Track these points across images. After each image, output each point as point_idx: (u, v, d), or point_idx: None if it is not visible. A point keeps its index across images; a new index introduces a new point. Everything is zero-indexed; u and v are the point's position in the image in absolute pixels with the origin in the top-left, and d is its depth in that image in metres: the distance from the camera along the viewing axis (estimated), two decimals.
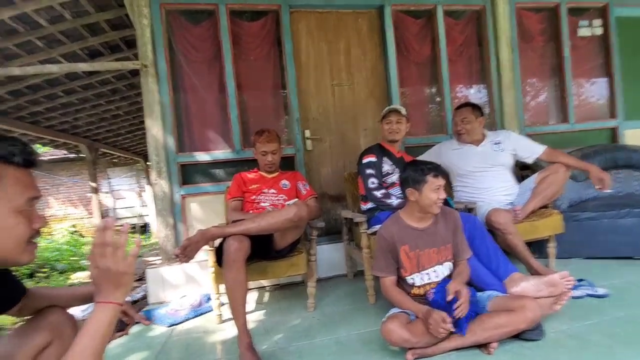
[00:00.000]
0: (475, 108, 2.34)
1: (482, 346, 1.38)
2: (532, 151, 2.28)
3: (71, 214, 10.23)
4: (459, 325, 1.34)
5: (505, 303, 1.42)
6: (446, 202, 1.85)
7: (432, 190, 1.48)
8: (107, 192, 10.52)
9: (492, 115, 3.15)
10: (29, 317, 0.99)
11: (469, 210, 2.12)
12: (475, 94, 3.23)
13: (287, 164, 2.68)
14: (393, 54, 2.92)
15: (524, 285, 1.59)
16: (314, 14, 2.89)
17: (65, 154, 8.47)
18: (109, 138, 7.03)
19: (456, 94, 3.17)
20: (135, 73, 4.15)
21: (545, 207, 2.23)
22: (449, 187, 2.49)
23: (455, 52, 3.10)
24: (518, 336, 1.40)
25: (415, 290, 1.55)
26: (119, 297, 0.75)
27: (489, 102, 3.18)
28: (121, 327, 1.02)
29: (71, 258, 5.32)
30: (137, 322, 1.05)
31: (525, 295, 1.50)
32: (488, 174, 2.27)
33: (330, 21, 2.92)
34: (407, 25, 3.01)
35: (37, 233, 0.75)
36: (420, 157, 2.49)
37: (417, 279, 1.54)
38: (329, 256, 2.61)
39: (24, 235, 0.72)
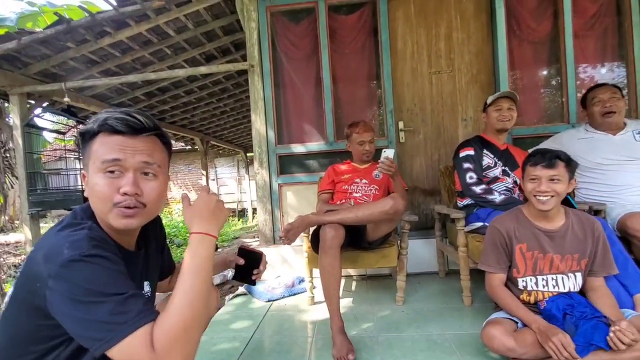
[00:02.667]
0: (618, 88, 1.97)
1: None
2: None
3: None
4: (578, 345, 1.16)
5: None
6: (566, 202, 1.62)
7: (528, 180, 1.37)
8: (213, 179, 11.97)
9: (631, 99, 2.60)
10: None
11: (596, 213, 1.81)
12: (607, 74, 2.70)
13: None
14: (503, 34, 2.63)
15: None
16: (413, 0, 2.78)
17: (182, 146, 9.88)
18: (217, 132, 7.93)
19: (584, 74, 2.70)
20: (241, 73, 4.59)
21: None
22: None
23: (584, 25, 2.63)
24: None
25: (524, 296, 1.40)
26: (213, 230, 0.77)
27: (628, 83, 2.63)
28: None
29: (186, 234, 6.24)
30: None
31: None
32: (625, 168, 1.88)
33: (430, 5, 2.77)
34: (521, 0, 2.67)
35: (127, 198, 0.75)
36: (539, 147, 2.21)
37: (530, 283, 1.38)
38: (419, 252, 2.52)
39: (105, 195, 0.74)
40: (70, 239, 0.70)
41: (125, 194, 0.75)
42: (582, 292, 1.38)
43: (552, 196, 1.31)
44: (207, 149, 8.14)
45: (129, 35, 3.11)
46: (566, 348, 1.12)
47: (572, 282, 1.36)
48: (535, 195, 1.34)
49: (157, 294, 1.04)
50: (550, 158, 1.31)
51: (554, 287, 1.36)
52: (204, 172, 8.35)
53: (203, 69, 3.25)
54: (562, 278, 1.36)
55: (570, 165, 1.33)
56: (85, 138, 0.78)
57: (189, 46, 3.72)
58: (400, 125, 2.77)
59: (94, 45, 3.14)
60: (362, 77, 2.83)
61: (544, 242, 1.37)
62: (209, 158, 9.83)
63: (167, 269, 1.13)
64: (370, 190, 2.11)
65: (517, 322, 1.31)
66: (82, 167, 0.78)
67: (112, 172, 0.75)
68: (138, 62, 3.78)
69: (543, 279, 1.37)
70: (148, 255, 0.95)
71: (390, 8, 2.74)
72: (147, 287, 0.94)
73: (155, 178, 0.80)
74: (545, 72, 2.77)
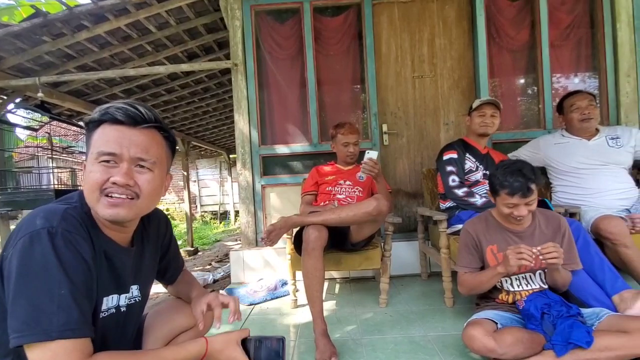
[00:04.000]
0: (593, 96, 2.06)
1: None
2: None
3: (165, 199, 11.68)
4: (556, 344, 1.18)
5: (619, 323, 1.22)
6: (544, 204, 1.67)
7: (503, 205, 1.39)
8: (194, 181, 11.75)
9: (603, 107, 2.72)
10: (180, 299, 1.11)
11: (571, 215, 1.87)
12: (581, 83, 2.82)
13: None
14: (483, 42, 2.70)
15: None
16: (397, 4, 2.81)
17: None
18: (199, 132, 7.78)
19: (558, 83, 2.80)
20: (224, 72, 4.52)
21: None
22: (545, 188, 2.22)
23: (560, 35, 2.73)
24: None
25: (502, 296, 1.44)
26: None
27: (600, 92, 2.75)
28: None
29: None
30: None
31: None
32: (599, 172, 1.95)
33: (414, 11, 2.81)
34: (501, 9, 2.75)
35: (116, 187, 0.74)
36: (518, 151, 2.29)
37: (506, 284, 1.43)
38: (402, 254, 2.54)
39: (96, 182, 0.73)
40: (48, 209, 0.71)
41: (114, 183, 0.73)
42: (554, 289, 1.42)
43: (529, 212, 1.38)
44: (189, 149, 7.98)
45: (108, 29, 3.01)
46: (525, 251, 1.23)
47: (540, 278, 1.42)
48: (514, 218, 1.39)
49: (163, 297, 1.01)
50: (527, 187, 1.32)
51: (526, 285, 1.41)
52: (185, 173, 8.17)
53: (185, 67, 3.19)
54: (530, 276, 1.42)
55: (539, 180, 1.37)
56: (89, 127, 0.78)
57: (171, 43, 3.63)
58: (384, 128, 2.79)
59: (71, 39, 3.03)
60: (347, 79, 2.84)
61: (513, 242, 1.41)
62: (190, 159, 9.64)
63: (169, 273, 1.09)
64: (354, 191, 2.11)
65: (496, 323, 1.33)
66: (85, 158, 0.79)
67: (107, 161, 0.74)
68: (117, 57, 3.66)
69: (516, 279, 1.42)
70: (142, 257, 0.91)
71: (374, 12, 2.76)
72: (135, 291, 0.89)
73: (149, 171, 0.78)
74: (522, 80, 2.86)
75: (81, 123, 4.90)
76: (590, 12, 2.75)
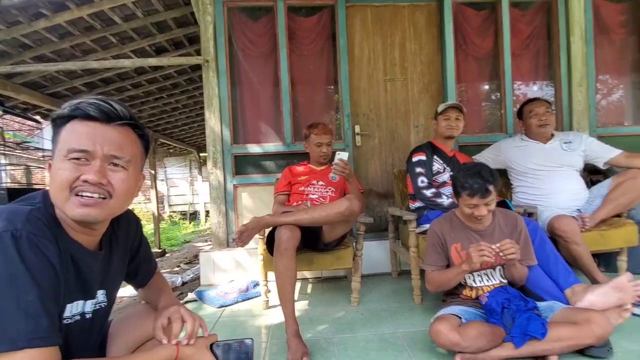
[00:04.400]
0: (549, 103, 2.21)
1: (539, 358, 1.30)
2: (606, 153, 2.09)
3: None
4: (515, 337, 1.26)
5: (570, 315, 1.32)
6: (505, 205, 1.77)
7: (465, 205, 1.46)
8: (162, 180, 11.34)
9: (558, 114, 2.91)
10: (149, 305, 1.05)
11: (529, 215, 1.99)
12: (539, 90, 3.01)
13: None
14: (451, 48, 2.81)
15: (590, 298, 1.46)
16: (370, 8, 2.87)
17: None
18: (168, 129, 7.52)
19: (519, 90, 2.98)
20: (195, 68, 4.40)
21: (618, 216, 2.02)
22: (506, 189, 2.36)
23: (520, 45, 2.91)
24: (582, 352, 1.30)
25: (466, 292, 1.51)
26: None
27: (555, 100, 2.94)
28: None
29: None
30: None
31: (593, 309, 1.38)
32: (553, 174, 2.10)
33: (386, 15, 2.88)
34: (468, 17, 2.88)
35: (87, 185, 0.70)
36: (482, 154, 2.41)
37: (469, 281, 1.51)
38: (373, 253, 2.59)
39: (65, 180, 0.69)
40: (10, 210, 0.66)
41: (86, 181, 0.69)
42: (512, 284, 1.51)
43: (489, 212, 1.46)
44: (156, 147, 7.69)
45: (69, 19, 2.85)
46: (486, 248, 1.32)
47: (500, 274, 1.51)
48: (475, 217, 1.46)
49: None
50: (485, 189, 1.39)
51: (487, 280, 1.50)
52: (153, 172, 7.87)
53: (152, 61, 3.07)
54: (491, 272, 1.51)
55: (497, 182, 1.45)
56: (57, 124, 0.72)
57: (137, 36, 3.48)
58: (357, 129, 2.84)
59: (28, 28, 2.83)
60: (320, 80, 2.85)
61: (475, 240, 1.49)
62: (157, 157, 9.29)
63: (140, 277, 1.04)
64: (327, 192, 2.13)
65: (461, 318, 1.40)
66: (49, 156, 0.73)
67: (78, 159, 0.70)
68: (78, 49, 3.46)
69: (478, 275, 1.50)
70: (111, 260, 0.87)
71: (348, 14, 2.80)
72: (101, 296, 0.85)
73: (124, 170, 0.75)
74: (487, 86, 3.01)
75: (37, 117, 4.59)
76: (547, 24, 2.94)
